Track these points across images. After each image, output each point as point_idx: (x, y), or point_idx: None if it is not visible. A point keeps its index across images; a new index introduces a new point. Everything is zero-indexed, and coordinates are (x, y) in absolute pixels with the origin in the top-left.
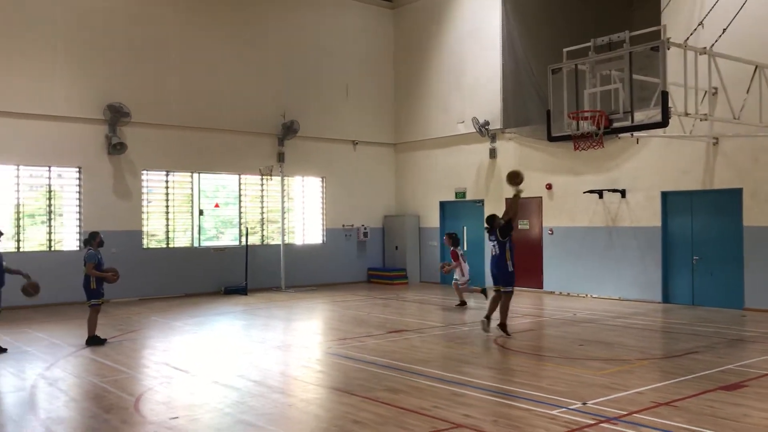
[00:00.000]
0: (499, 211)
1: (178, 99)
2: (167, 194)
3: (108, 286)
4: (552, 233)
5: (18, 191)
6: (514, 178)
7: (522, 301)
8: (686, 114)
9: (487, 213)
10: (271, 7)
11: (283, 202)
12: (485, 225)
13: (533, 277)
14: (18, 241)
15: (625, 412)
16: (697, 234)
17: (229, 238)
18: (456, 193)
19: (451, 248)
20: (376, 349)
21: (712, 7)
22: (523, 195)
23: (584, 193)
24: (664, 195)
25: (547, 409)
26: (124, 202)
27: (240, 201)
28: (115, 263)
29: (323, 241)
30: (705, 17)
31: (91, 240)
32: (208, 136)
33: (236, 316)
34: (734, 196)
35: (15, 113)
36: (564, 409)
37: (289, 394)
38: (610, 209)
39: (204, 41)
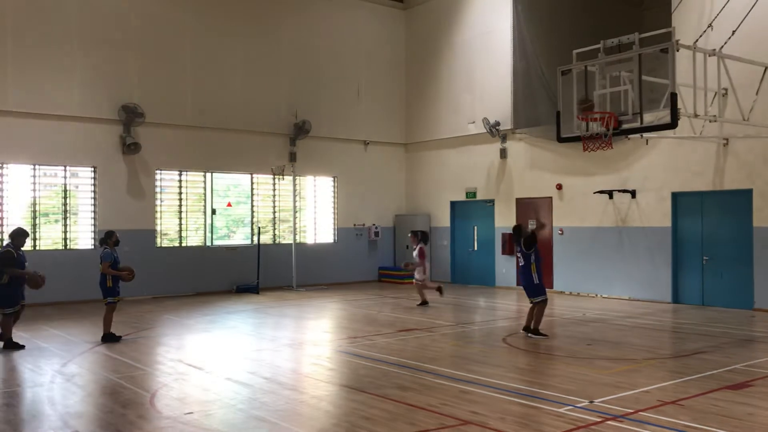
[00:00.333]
0: (509, 210)
1: (191, 100)
2: (180, 193)
3: (122, 285)
4: (562, 233)
5: (35, 190)
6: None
7: None
8: (695, 115)
9: (497, 213)
10: (284, 9)
11: (294, 201)
12: (512, 233)
13: (543, 276)
14: (34, 239)
15: (632, 411)
16: (707, 235)
17: (240, 237)
18: (467, 193)
19: (419, 246)
20: (386, 347)
21: (722, 9)
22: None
23: (594, 193)
24: (675, 195)
25: (554, 407)
26: (137, 201)
27: (252, 200)
28: (128, 262)
29: (334, 240)
30: (714, 19)
31: (107, 239)
32: (220, 136)
33: (248, 314)
34: (744, 196)
35: (32, 114)
36: (571, 407)
37: (300, 390)
38: (620, 210)
39: (217, 43)
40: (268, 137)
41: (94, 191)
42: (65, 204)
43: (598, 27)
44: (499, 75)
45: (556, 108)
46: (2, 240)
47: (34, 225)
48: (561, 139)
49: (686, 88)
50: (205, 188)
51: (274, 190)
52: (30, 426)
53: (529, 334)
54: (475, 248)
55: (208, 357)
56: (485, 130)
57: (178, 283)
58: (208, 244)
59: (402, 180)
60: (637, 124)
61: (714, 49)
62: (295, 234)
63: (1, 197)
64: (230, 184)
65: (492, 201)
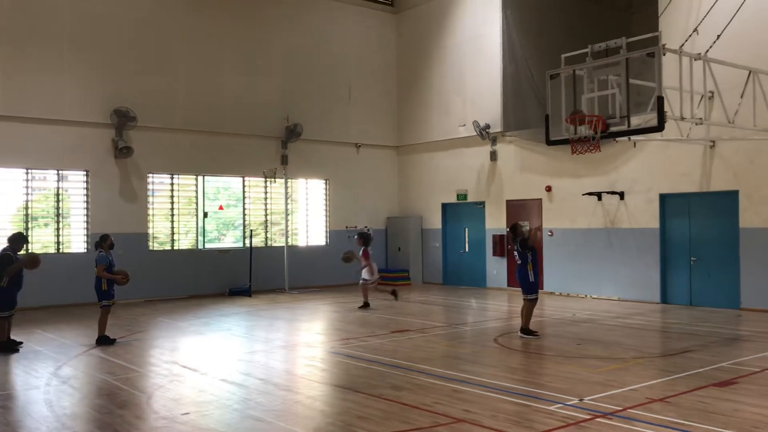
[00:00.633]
0: (500, 212)
1: (183, 103)
2: (172, 197)
3: (115, 288)
4: (552, 235)
5: (27, 194)
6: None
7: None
8: (682, 118)
9: (488, 215)
10: (275, 13)
11: (286, 204)
12: (510, 231)
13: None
14: (27, 243)
15: (620, 408)
16: (694, 235)
17: (230, 240)
18: (457, 195)
19: (363, 248)
20: (380, 348)
21: (707, 14)
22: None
23: (583, 195)
24: (662, 197)
25: (544, 405)
26: (130, 204)
27: (244, 203)
28: (121, 265)
29: (326, 242)
30: (700, 23)
31: (102, 242)
32: (212, 140)
33: (241, 317)
34: (731, 198)
35: (24, 118)
36: (561, 405)
37: (295, 391)
38: (609, 211)
39: (209, 46)
40: (259, 140)
41: (87, 195)
42: (58, 208)
43: (587, 30)
44: (489, 78)
45: (546, 111)
46: None
47: (27, 229)
48: (550, 142)
49: (673, 92)
50: (197, 191)
51: (266, 192)
52: (28, 427)
53: (521, 335)
54: (466, 250)
55: (203, 359)
56: (475, 133)
57: (170, 286)
58: (200, 247)
59: (393, 182)
60: (624, 127)
61: (700, 53)
62: (287, 237)
63: None
64: (220, 187)
65: (482, 203)
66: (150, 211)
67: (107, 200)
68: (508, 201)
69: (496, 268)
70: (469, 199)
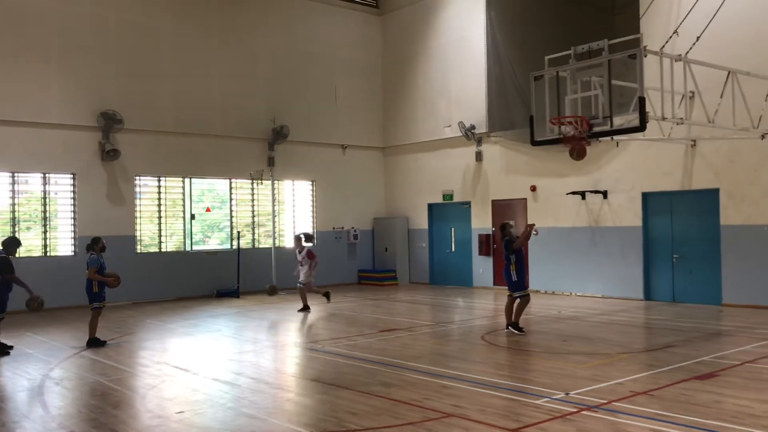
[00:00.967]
0: (485, 212)
1: (169, 106)
2: (159, 199)
3: (105, 290)
4: (537, 233)
5: (13, 198)
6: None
7: None
8: (663, 118)
9: (473, 215)
10: (261, 15)
11: (273, 205)
12: (496, 229)
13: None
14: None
15: (605, 401)
16: (676, 233)
17: (216, 242)
18: (443, 196)
19: (305, 248)
20: (369, 347)
21: (686, 16)
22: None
23: (567, 194)
24: (645, 196)
25: (531, 399)
26: (117, 207)
27: (231, 205)
28: (108, 267)
29: (314, 243)
30: (679, 25)
31: (94, 245)
32: (199, 142)
33: (230, 317)
34: (712, 196)
35: (10, 121)
36: (548, 399)
37: (286, 389)
38: (592, 210)
39: (195, 49)
40: (246, 142)
41: (74, 198)
42: (45, 211)
43: (570, 31)
44: (473, 79)
45: (530, 112)
46: None
47: (13, 232)
48: (535, 143)
49: (654, 92)
50: (183, 194)
51: (253, 194)
52: (24, 427)
53: (509, 327)
54: (453, 249)
55: (194, 359)
56: (461, 134)
57: (158, 289)
58: (187, 249)
59: (380, 183)
60: (607, 128)
61: (680, 55)
62: (274, 238)
63: None
64: (205, 189)
65: (468, 203)
66: (137, 214)
67: (94, 203)
68: (493, 201)
69: (482, 268)
70: (455, 200)
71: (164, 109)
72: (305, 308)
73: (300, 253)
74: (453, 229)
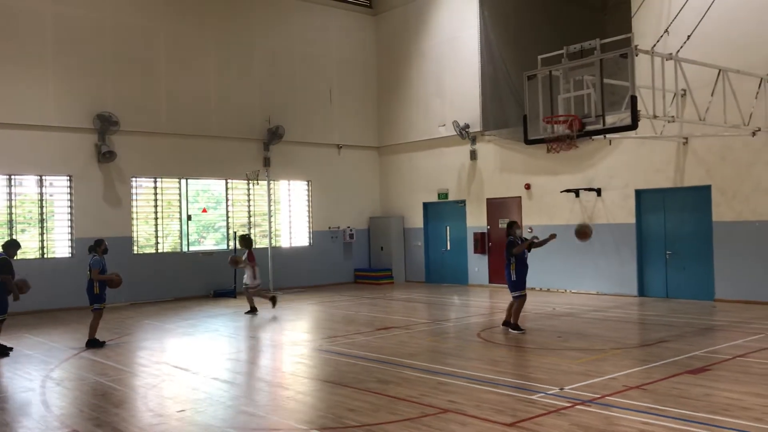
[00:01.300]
0: (480, 211)
1: (165, 107)
2: (156, 200)
3: (107, 292)
4: (531, 231)
5: (10, 200)
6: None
7: (505, 297)
8: (655, 116)
9: (468, 213)
10: (256, 16)
11: (269, 205)
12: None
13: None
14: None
15: (599, 396)
16: (669, 230)
17: (211, 243)
18: (438, 194)
19: (247, 250)
20: (366, 345)
21: (677, 14)
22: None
23: (561, 192)
24: (638, 193)
25: (526, 395)
26: (114, 208)
27: (227, 205)
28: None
29: (310, 243)
30: (671, 24)
31: (96, 247)
32: (195, 143)
33: (228, 317)
34: (704, 193)
35: (7, 124)
36: (542, 394)
37: (285, 387)
38: (586, 207)
39: (190, 50)
40: (242, 143)
41: (71, 200)
42: (41, 213)
43: (562, 31)
44: (467, 79)
45: (524, 111)
46: None
47: (11, 235)
48: (528, 142)
49: (646, 90)
50: (180, 194)
51: (249, 195)
52: (27, 426)
53: (510, 329)
54: (448, 248)
55: (192, 359)
56: (455, 133)
57: (155, 289)
58: (184, 249)
59: (375, 183)
60: (600, 126)
61: (671, 53)
62: (270, 238)
63: None
64: (200, 189)
65: (463, 202)
66: (134, 215)
67: (91, 205)
68: (488, 199)
69: (478, 266)
70: (450, 198)
71: (160, 110)
72: (252, 310)
73: (243, 255)
74: (448, 227)
